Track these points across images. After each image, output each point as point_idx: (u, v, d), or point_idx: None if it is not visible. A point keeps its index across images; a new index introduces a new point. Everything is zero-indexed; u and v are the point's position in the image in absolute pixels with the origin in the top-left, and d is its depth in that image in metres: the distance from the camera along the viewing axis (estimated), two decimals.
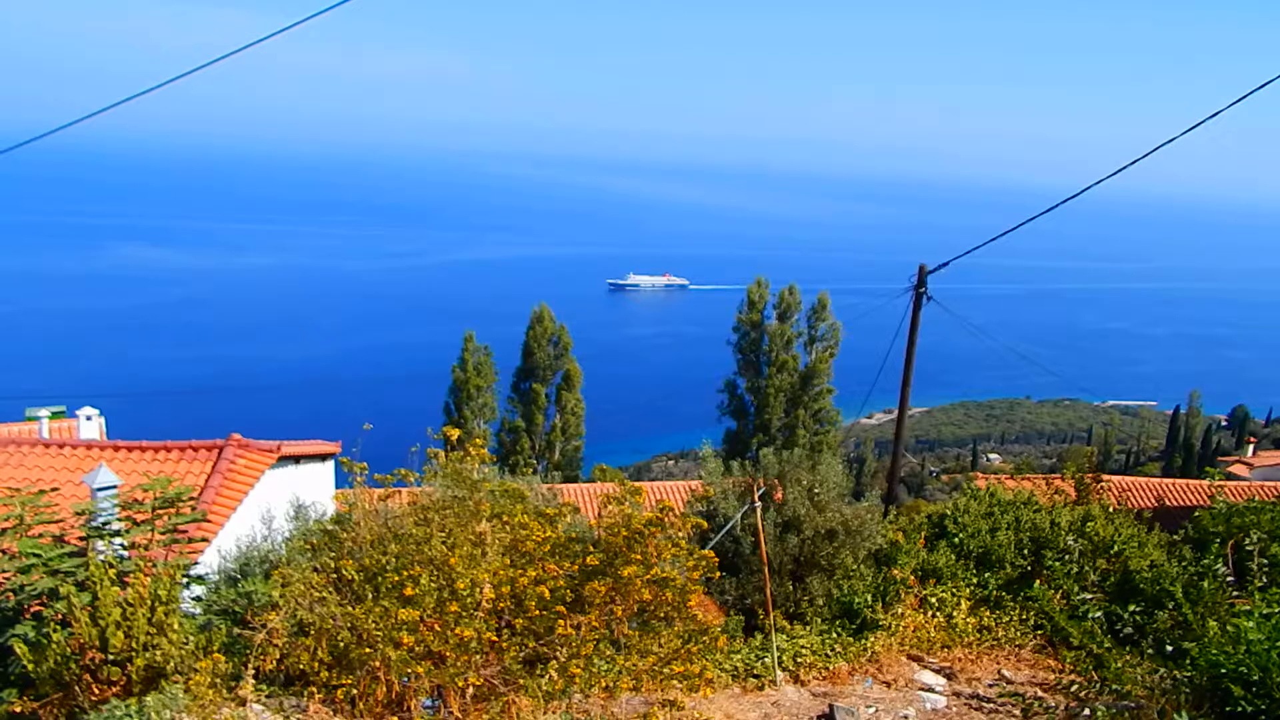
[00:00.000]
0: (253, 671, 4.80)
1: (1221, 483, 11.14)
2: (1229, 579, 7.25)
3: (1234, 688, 4.98)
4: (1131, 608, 7.34)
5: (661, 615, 5.38)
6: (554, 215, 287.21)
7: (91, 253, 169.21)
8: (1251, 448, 41.52)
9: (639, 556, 5.23)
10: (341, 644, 4.90)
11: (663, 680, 5.20)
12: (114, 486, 9.79)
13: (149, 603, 5.41)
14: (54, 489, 8.44)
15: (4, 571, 6.48)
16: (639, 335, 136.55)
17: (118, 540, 7.06)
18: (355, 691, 4.87)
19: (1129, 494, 15.29)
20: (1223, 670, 5.12)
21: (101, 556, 6.55)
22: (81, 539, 6.93)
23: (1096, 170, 14.03)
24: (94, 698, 5.17)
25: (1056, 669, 7.57)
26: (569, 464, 40.51)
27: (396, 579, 4.96)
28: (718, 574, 5.82)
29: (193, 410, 75.20)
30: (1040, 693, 6.76)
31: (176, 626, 5.46)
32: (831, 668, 7.71)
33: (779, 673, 7.49)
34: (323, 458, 18.01)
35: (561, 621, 4.94)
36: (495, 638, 4.97)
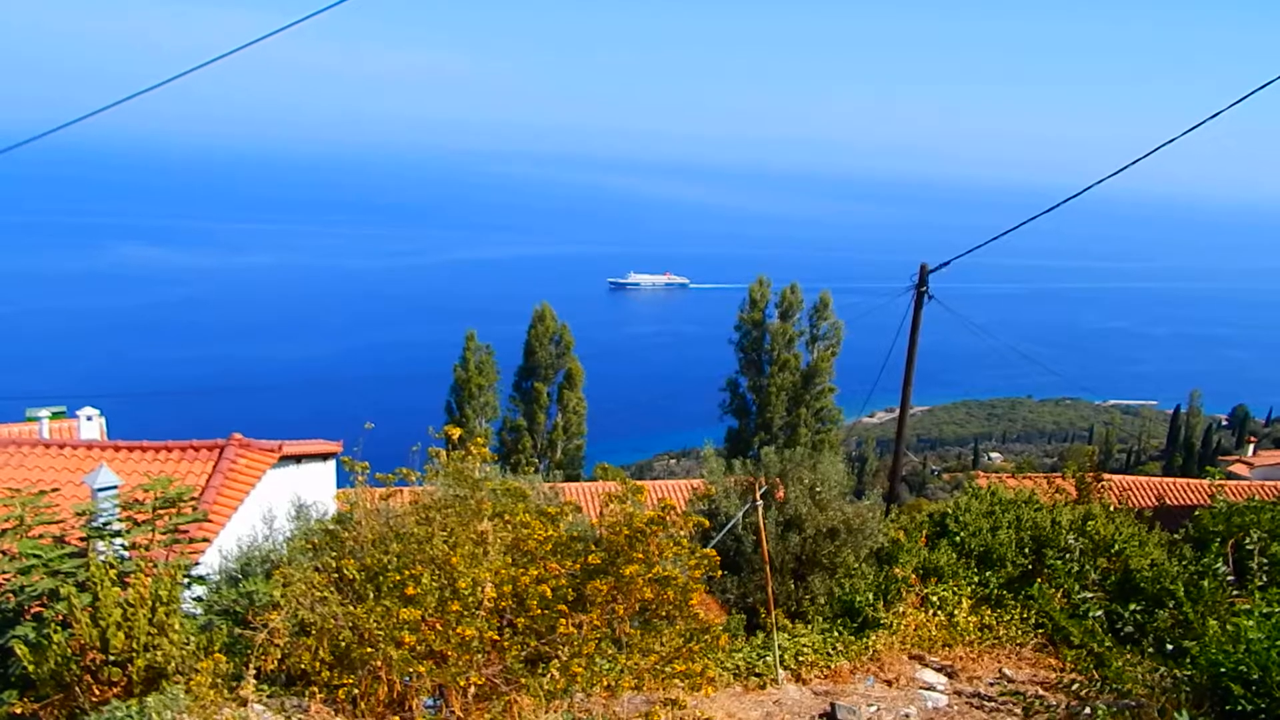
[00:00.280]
0: (254, 671, 4.80)
1: (1222, 482, 11.15)
2: (1229, 578, 7.25)
3: (1234, 687, 4.98)
4: (1132, 606, 7.34)
5: (663, 614, 5.38)
6: (554, 214, 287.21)
7: (92, 252, 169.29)
8: (1252, 447, 41.50)
9: (641, 555, 5.23)
10: (343, 643, 4.91)
11: (665, 679, 5.21)
12: (115, 487, 9.80)
13: (150, 603, 5.42)
14: (54, 489, 8.44)
15: (4, 572, 6.48)
16: (640, 334, 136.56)
17: (118, 541, 7.07)
18: (357, 691, 4.87)
19: (1130, 493, 15.29)
20: (1223, 669, 5.12)
21: (102, 557, 6.55)
22: (82, 540, 6.94)
23: (1097, 170, 14.02)
24: (95, 698, 5.17)
25: (1057, 667, 7.57)
26: (571, 463, 40.53)
27: (398, 578, 4.96)
28: (719, 573, 5.83)
29: (193, 410, 75.24)
30: (1041, 691, 6.77)
31: (177, 627, 5.46)
32: (833, 666, 7.72)
33: (780, 671, 7.50)
34: (324, 457, 18.01)
35: (563, 620, 4.94)
36: (497, 637, 4.97)
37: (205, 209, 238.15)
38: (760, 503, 8.88)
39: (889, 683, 7.43)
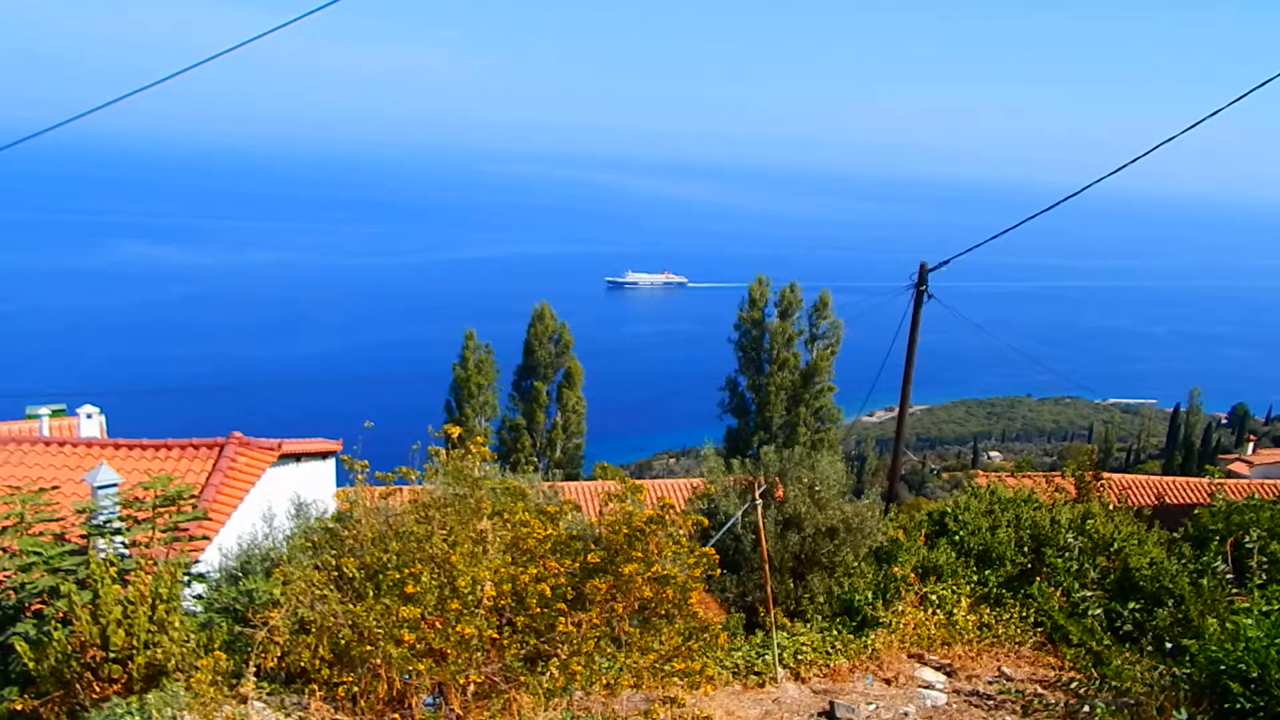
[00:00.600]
0: (254, 669, 4.81)
1: (1221, 481, 11.18)
2: (1228, 576, 7.26)
3: (1233, 685, 4.99)
4: (1131, 605, 7.35)
5: (662, 613, 5.39)
6: (552, 212, 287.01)
7: (93, 250, 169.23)
8: (1251, 446, 41.51)
9: (640, 554, 5.23)
10: (343, 641, 4.91)
11: (664, 677, 5.21)
12: (115, 484, 9.80)
13: (150, 601, 5.42)
14: (54, 487, 8.44)
15: (5, 569, 6.49)
16: (639, 333, 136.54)
17: (119, 538, 7.07)
18: (356, 689, 4.87)
19: (1129, 492, 15.30)
20: (1222, 667, 5.13)
21: (102, 554, 6.56)
22: (82, 537, 6.94)
23: (1098, 169, 14.03)
24: (95, 695, 5.18)
25: (1056, 666, 7.59)
26: (570, 461, 40.53)
27: (398, 576, 4.96)
28: (719, 571, 5.82)
29: (193, 408, 75.19)
30: (1040, 690, 6.77)
31: (178, 624, 5.47)
32: (832, 665, 7.73)
33: (780, 670, 7.51)
34: (324, 456, 18.02)
35: (562, 619, 4.94)
36: (496, 635, 4.98)
37: (206, 207, 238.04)
38: (759, 502, 8.89)
39: (888, 681, 7.44)
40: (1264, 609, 5.59)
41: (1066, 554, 8.75)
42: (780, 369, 41.39)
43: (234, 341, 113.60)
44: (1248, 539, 7.74)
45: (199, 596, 7.22)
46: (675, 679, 5.21)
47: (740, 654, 7.75)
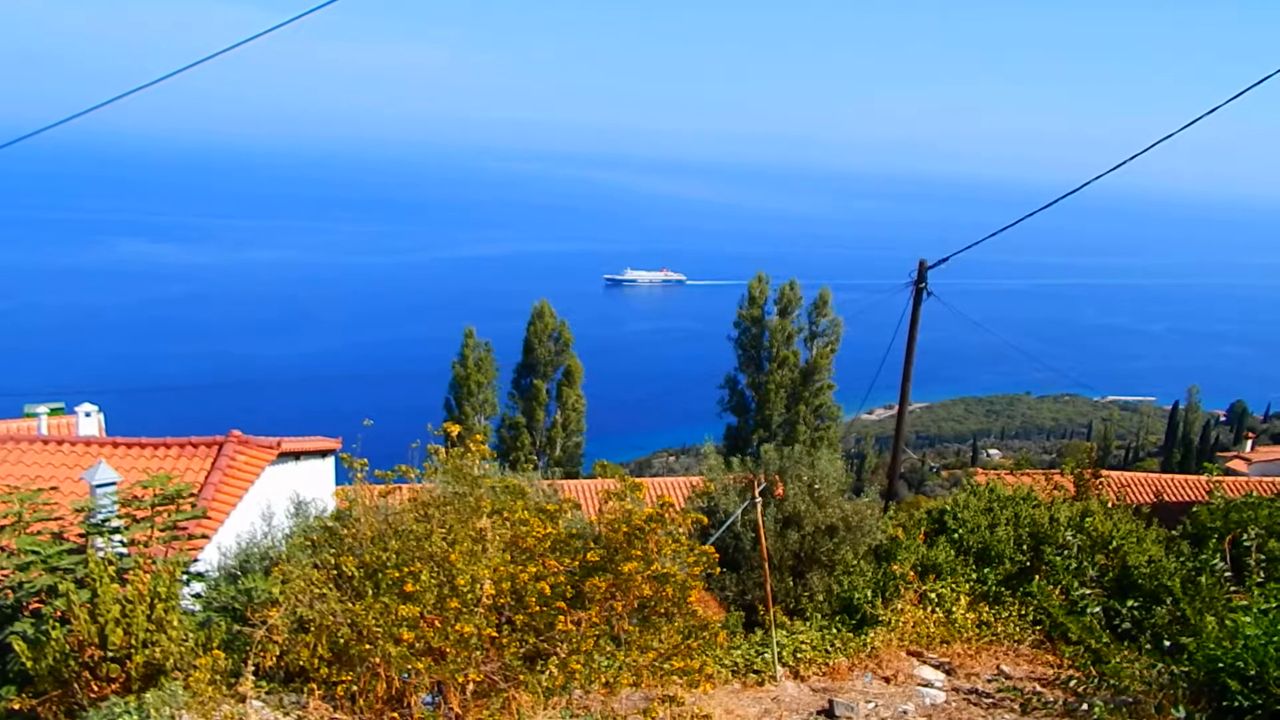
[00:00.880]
0: (253, 668, 4.80)
1: (1220, 478, 11.18)
2: (1227, 574, 7.26)
3: (1231, 682, 4.99)
4: (1130, 603, 7.36)
5: (662, 611, 5.38)
6: (550, 210, 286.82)
7: (92, 248, 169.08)
8: (1250, 443, 41.51)
9: (639, 552, 5.23)
10: (342, 640, 4.91)
11: (663, 676, 5.21)
12: (113, 483, 9.80)
13: (148, 600, 5.42)
14: (53, 486, 8.45)
15: (3, 568, 6.48)
16: (638, 331, 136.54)
17: (117, 537, 7.07)
18: (355, 688, 4.87)
19: (1128, 489, 15.33)
20: (1220, 665, 5.13)
21: (101, 553, 6.56)
22: (81, 536, 6.94)
23: (1097, 166, 14.02)
24: (93, 695, 5.17)
25: (1055, 664, 7.60)
26: (570, 460, 40.52)
27: (397, 575, 4.96)
28: (718, 570, 5.83)
29: (192, 406, 75.17)
30: (1039, 688, 6.78)
31: (176, 623, 5.46)
32: (831, 663, 7.73)
33: (779, 668, 7.51)
34: (323, 454, 18.02)
35: (562, 617, 4.94)
36: (495, 634, 4.98)
37: (205, 205, 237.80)
38: (759, 500, 8.88)
39: (887, 679, 7.45)
40: (1262, 607, 5.59)
41: (1065, 552, 8.75)
42: (780, 367, 41.39)
43: (233, 340, 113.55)
44: (1246, 537, 7.74)
45: (197, 595, 7.22)
46: (674, 677, 5.21)
47: (739, 652, 7.75)
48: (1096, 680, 5.86)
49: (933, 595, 8.62)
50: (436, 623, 4.82)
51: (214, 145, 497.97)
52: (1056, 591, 8.02)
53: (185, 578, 6.84)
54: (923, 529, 10.59)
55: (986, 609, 8.49)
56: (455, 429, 5.93)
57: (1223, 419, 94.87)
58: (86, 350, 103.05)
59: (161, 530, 7.19)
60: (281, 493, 12.20)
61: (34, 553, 6.44)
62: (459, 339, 39.27)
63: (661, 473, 66.53)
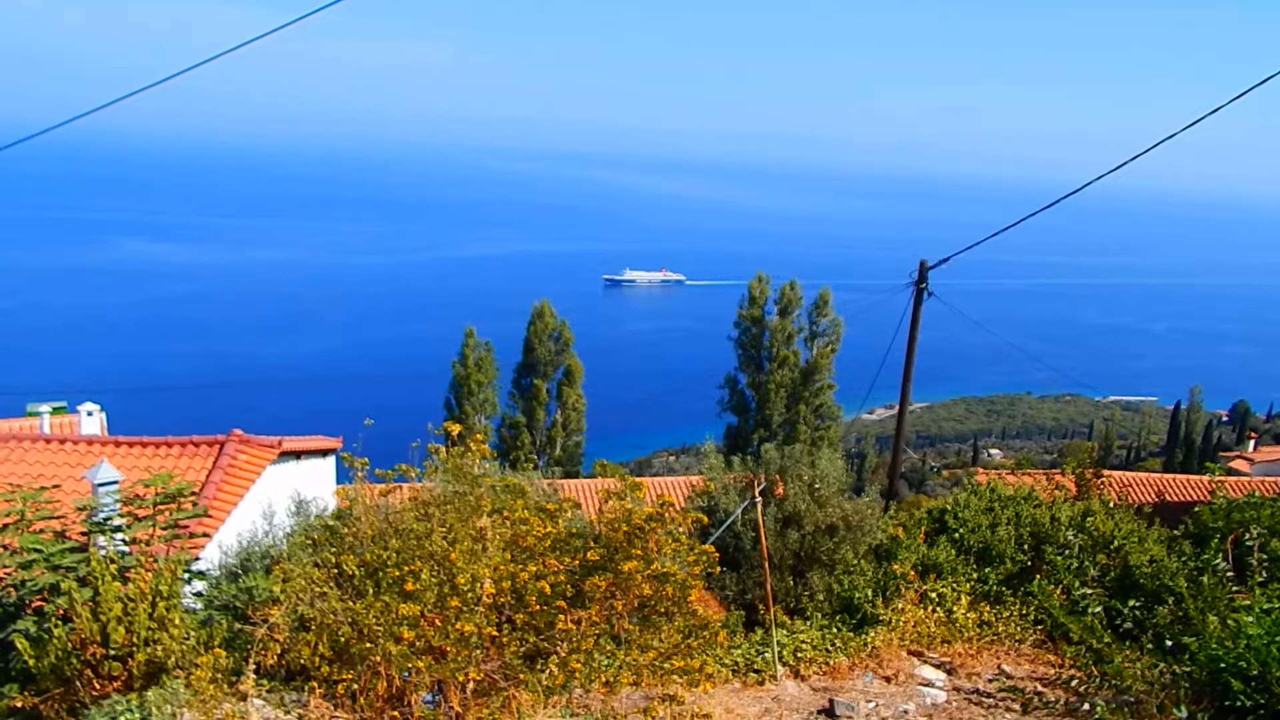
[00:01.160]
0: (254, 666, 4.81)
1: (1222, 478, 11.15)
2: (1229, 574, 7.25)
3: (1234, 682, 4.99)
4: (1131, 603, 7.35)
5: (662, 610, 5.38)
6: (549, 210, 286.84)
7: (93, 248, 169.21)
8: (1252, 443, 41.46)
9: (639, 552, 5.23)
10: (342, 639, 4.91)
11: (663, 675, 5.21)
12: (115, 482, 9.82)
13: (150, 598, 5.43)
14: (55, 485, 8.45)
15: (5, 567, 6.49)
16: (637, 331, 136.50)
17: (119, 536, 7.08)
18: (356, 686, 4.88)
19: (1129, 489, 15.30)
20: (1222, 665, 5.12)
21: (103, 552, 6.57)
22: (83, 534, 6.95)
23: (1099, 166, 14.02)
24: (95, 693, 5.18)
25: (1056, 664, 7.59)
26: (570, 459, 40.52)
27: (397, 574, 4.96)
28: (718, 569, 5.82)
29: (194, 406, 75.22)
30: (1040, 688, 6.77)
31: (178, 622, 5.47)
32: (832, 663, 7.73)
33: (779, 667, 7.51)
34: (324, 453, 18.02)
35: (562, 616, 4.94)
36: (496, 633, 4.98)
37: (207, 205, 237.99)
38: (759, 499, 8.88)
39: (888, 679, 7.44)
40: (1264, 607, 5.58)
41: (1067, 551, 8.74)
42: (780, 367, 41.38)
43: (235, 339, 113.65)
44: (1248, 536, 7.73)
45: (199, 594, 7.23)
46: (675, 676, 5.21)
47: (740, 652, 7.75)
48: (1098, 680, 5.85)
49: (933, 595, 8.61)
50: (437, 621, 4.82)
51: (216, 145, 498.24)
52: (1058, 591, 8.01)
53: (187, 576, 6.85)
54: (923, 528, 10.59)
55: (987, 608, 8.48)
56: (456, 428, 5.93)
57: (1225, 419, 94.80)
58: (89, 349, 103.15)
59: (163, 529, 7.20)
60: (282, 492, 12.22)
61: (37, 551, 6.45)
62: (459, 338, 39.29)
63: (661, 472, 66.54)
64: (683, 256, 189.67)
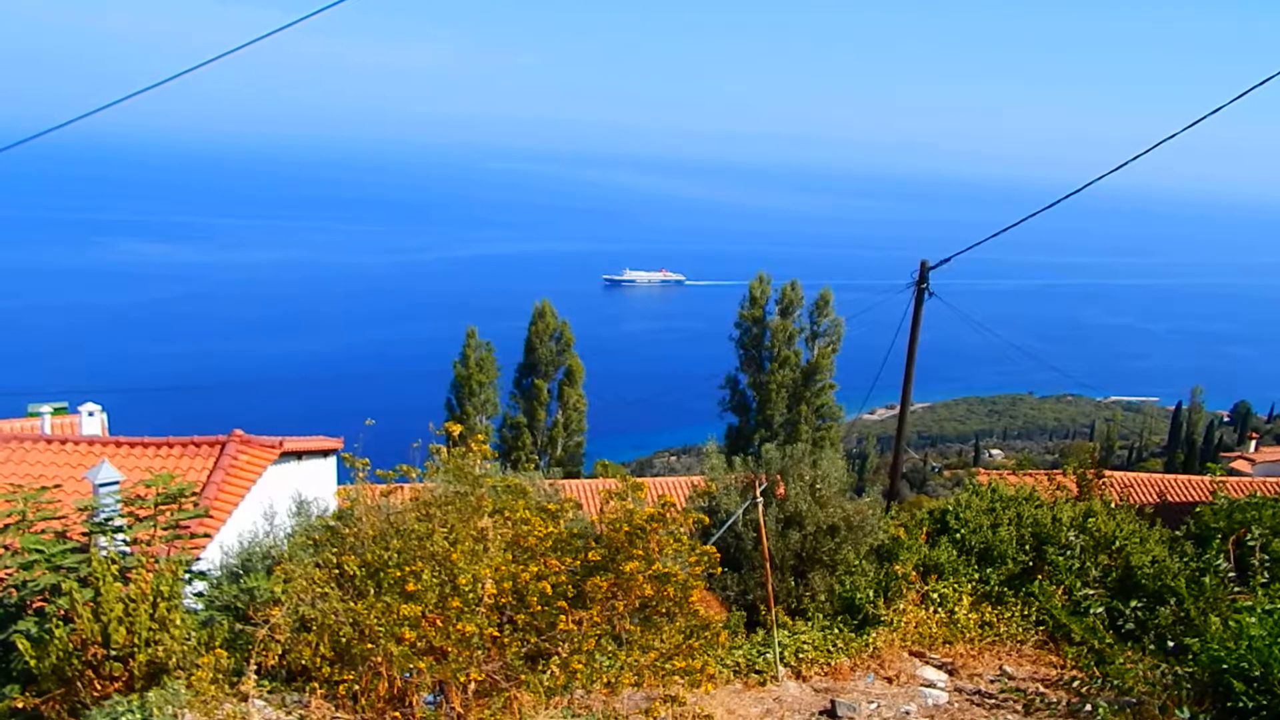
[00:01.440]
0: (255, 667, 4.81)
1: (1223, 478, 11.13)
2: (1231, 575, 7.25)
3: (1236, 683, 4.98)
4: (1133, 603, 7.34)
5: (663, 611, 5.38)
6: (549, 210, 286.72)
7: (95, 248, 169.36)
8: (1254, 443, 41.47)
9: (641, 552, 5.22)
10: (344, 639, 4.91)
11: (664, 675, 5.21)
12: (116, 482, 9.82)
13: (151, 598, 5.42)
14: (56, 485, 8.45)
15: (7, 567, 6.49)
16: (638, 331, 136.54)
17: (120, 536, 7.08)
18: (357, 687, 4.87)
19: (1131, 490, 15.31)
20: (1224, 666, 5.12)
21: (104, 552, 6.57)
22: (84, 535, 6.95)
23: (1101, 166, 14.01)
24: (96, 693, 5.18)
25: (1058, 664, 7.58)
26: (571, 459, 40.53)
27: (398, 574, 4.96)
28: (720, 569, 5.82)
29: (195, 406, 75.28)
30: (1042, 688, 6.77)
31: (179, 622, 5.47)
32: (833, 663, 7.72)
33: (781, 668, 7.50)
34: (325, 454, 18.03)
35: (563, 617, 4.94)
36: (497, 633, 4.97)
37: (208, 205, 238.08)
38: (760, 500, 8.87)
39: (889, 680, 7.44)
40: (1266, 607, 5.57)
41: (1068, 552, 8.73)
42: (781, 367, 41.39)
43: (236, 339, 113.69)
44: (1250, 537, 7.72)
45: (200, 594, 7.23)
46: (676, 677, 5.21)
47: (741, 652, 7.74)
48: (1100, 681, 5.84)
49: (935, 595, 8.60)
50: (438, 622, 4.81)
51: (217, 145, 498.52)
52: (1059, 592, 8.01)
53: (188, 577, 6.85)
54: (925, 529, 10.58)
55: (989, 609, 8.47)
56: (457, 429, 5.93)
57: (1226, 419, 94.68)
58: (90, 350, 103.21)
59: (164, 529, 7.20)
60: (284, 492, 12.22)
61: (38, 551, 6.45)
62: (461, 339, 39.30)
63: (663, 472, 66.54)
64: (683, 257, 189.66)
